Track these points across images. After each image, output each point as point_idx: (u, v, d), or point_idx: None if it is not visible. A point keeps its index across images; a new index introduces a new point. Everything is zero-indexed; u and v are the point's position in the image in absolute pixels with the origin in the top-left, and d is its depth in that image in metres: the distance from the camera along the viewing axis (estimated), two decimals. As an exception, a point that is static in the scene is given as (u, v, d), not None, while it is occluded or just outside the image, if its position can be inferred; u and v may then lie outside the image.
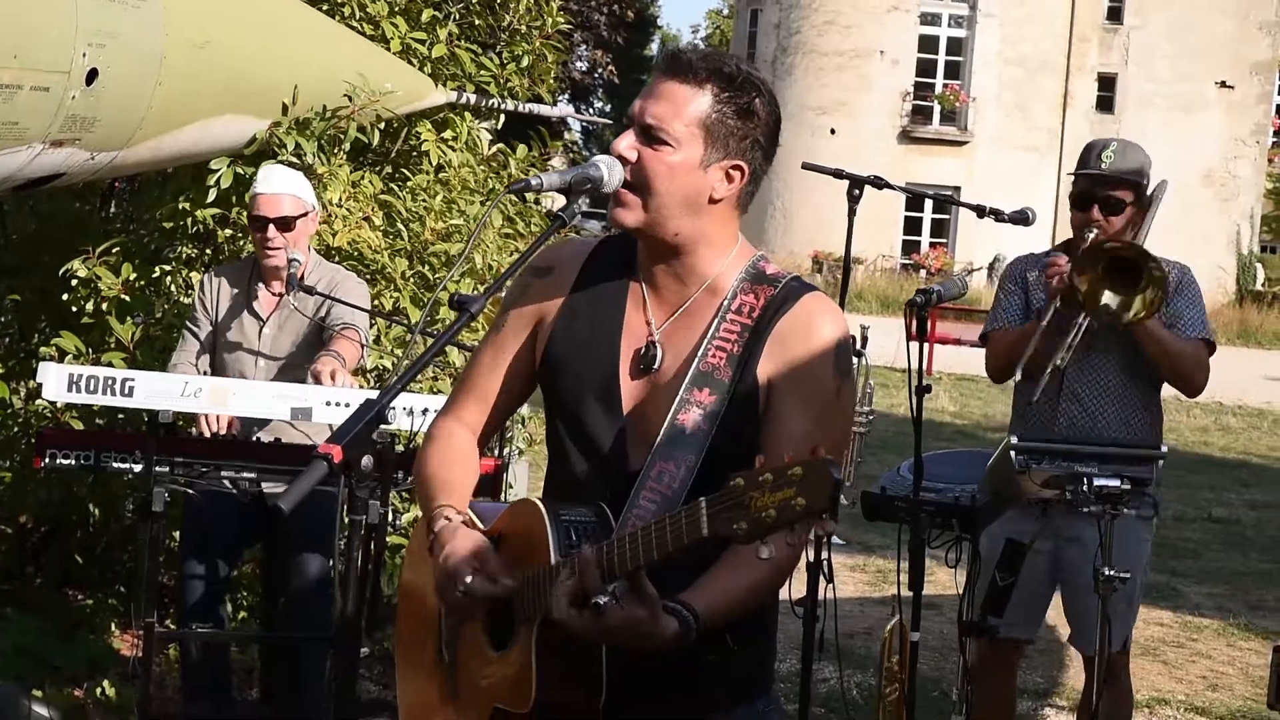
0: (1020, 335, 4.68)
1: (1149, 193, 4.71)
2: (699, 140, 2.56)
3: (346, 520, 2.20)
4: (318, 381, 4.78)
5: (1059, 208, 36.52)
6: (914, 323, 4.23)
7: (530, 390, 2.76)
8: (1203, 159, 37.94)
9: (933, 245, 38.50)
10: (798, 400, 2.53)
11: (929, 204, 37.81)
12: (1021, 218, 4.75)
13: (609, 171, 2.54)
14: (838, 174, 4.88)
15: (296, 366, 5.13)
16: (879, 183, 4.86)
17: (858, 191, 4.82)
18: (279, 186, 5.16)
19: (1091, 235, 4.59)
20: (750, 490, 2.11)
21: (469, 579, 2.46)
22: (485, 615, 2.56)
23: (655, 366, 2.60)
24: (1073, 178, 4.73)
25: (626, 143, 2.57)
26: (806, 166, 5.07)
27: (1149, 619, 7.98)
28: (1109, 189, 4.63)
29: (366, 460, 2.19)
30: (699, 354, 2.56)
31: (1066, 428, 4.60)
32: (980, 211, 4.83)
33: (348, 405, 4.67)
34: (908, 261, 37.63)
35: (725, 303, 2.60)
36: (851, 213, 4.81)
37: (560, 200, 2.57)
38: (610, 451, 2.59)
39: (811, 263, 34.85)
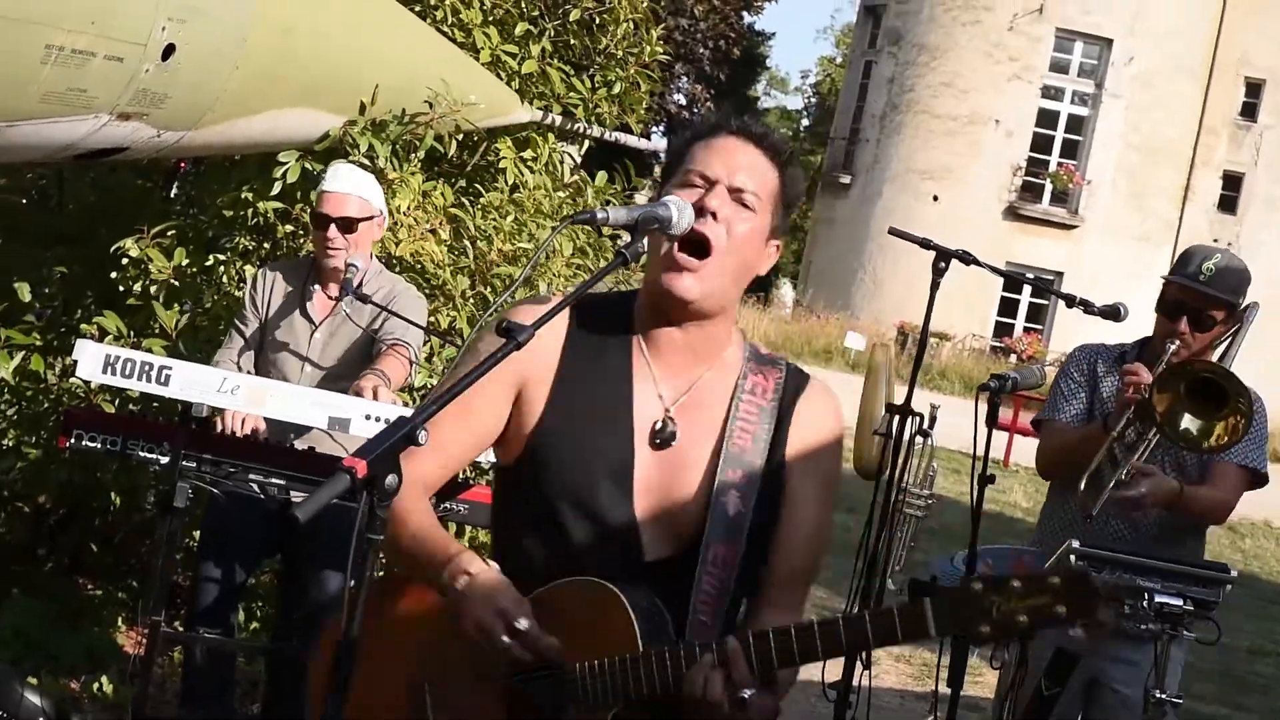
0: (1082, 439, 4.62)
1: (1240, 311, 4.65)
2: (769, 213, 2.68)
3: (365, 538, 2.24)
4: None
5: (1166, 307, 36.36)
6: (986, 408, 4.24)
7: (477, 453, 2.76)
8: (1327, 273, 37.61)
9: (1027, 330, 38.33)
10: (814, 487, 2.71)
11: (1027, 287, 37.67)
12: (1112, 312, 4.72)
13: (678, 213, 2.57)
14: (925, 244, 4.88)
15: (343, 376, 5.19)
16: (967, 258, 4.86)
17: (943, 265, 4.83)
18: (346, 186, 5.24)
19: (1173, 348, 4.53)
20: (992, 595, 2.31)
21: (524, 622, 2.50)
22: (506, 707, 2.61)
23: (673, 444, 2.67)
24: (1165, 281, 4.69)
25: (719, 200, 2.63)
26: (894, 232, 5.08)
27: (1205, 754, 7.91)
28: (1203, 304, 4.57)
29: (391, 479, 2.23)
30: (727, 435, 2.67)
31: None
32: (1070, 301, 4.81)
33: (389, 421, 4.71)
34: (998, 344, 37.49)
35: (739, 382, 2.72)
36: (934, 286, 4.81)
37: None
38: (621, 531, 2.63)
39: (897, 333, 34.77)
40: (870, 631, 2.39)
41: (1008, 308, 38.41)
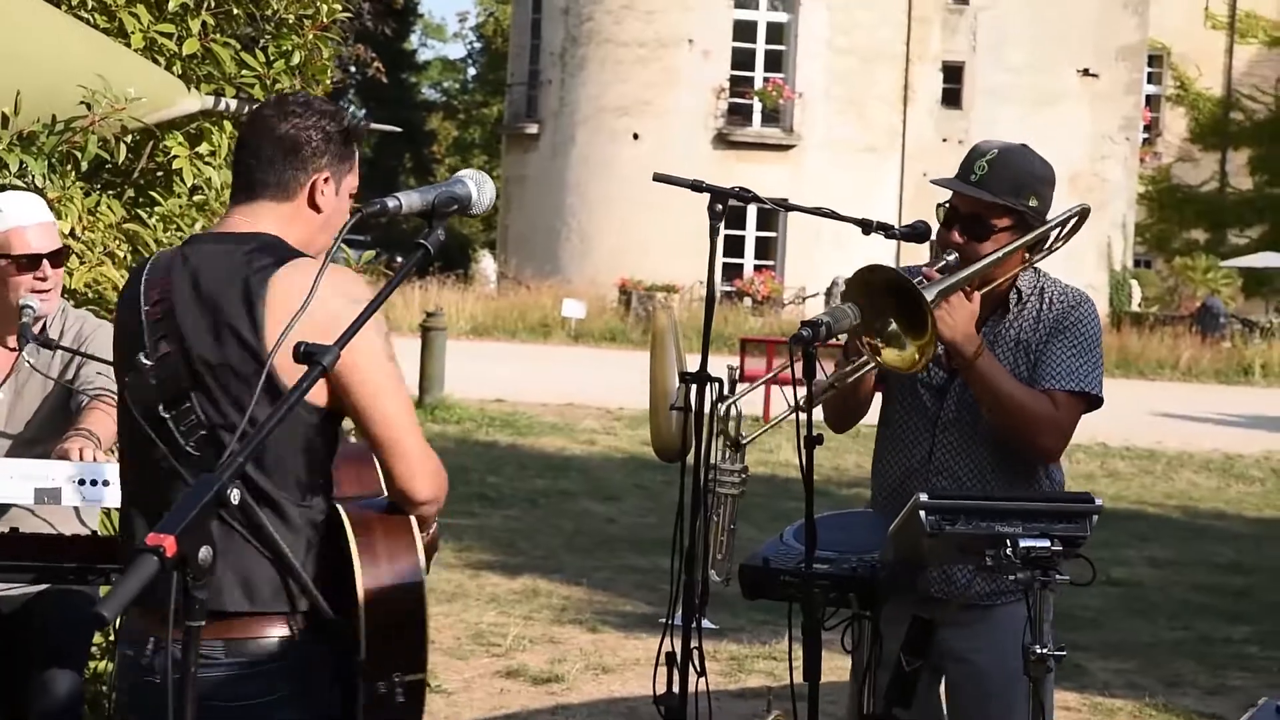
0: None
1: (1052, 216, 4.60)
2: None
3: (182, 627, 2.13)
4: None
5: (901, 219, 37.39)
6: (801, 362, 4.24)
7: None
8: (1065, 160, 38.98)
9: (758, 269, 39.05)
10: None
11: (751, 220, 38.36)
12: (916, 233, 4.75)
13: (478, 189, 2.55)
14: (697, 186, 4.87)
15: (39, 441, 4.98)
16: (747, 196, 4.87)
17: (721, 207, 4.82)
18: (45, 214, 5.08)
19: (950, 259, 4.49)
20: None
21: None
22: None
23: None
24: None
25: None
26: (659, 178, 5.06)
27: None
28: (974, 208, 4.52)
29: (205, 552, 2.13)
30: None
31: None
32: (867, 227, 4.85)
33: (108, 484, 4.58)
34: (730, 288, 38.10)
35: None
36: (714, 232, 4.80)
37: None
38: None
39: (619, 294, 35.04)
40: None
41: (733, 246, 39.05)
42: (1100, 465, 18.39)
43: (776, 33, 39.78)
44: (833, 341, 4.33)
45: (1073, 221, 4.69)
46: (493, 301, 36.42)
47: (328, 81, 7.21)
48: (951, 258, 4.50)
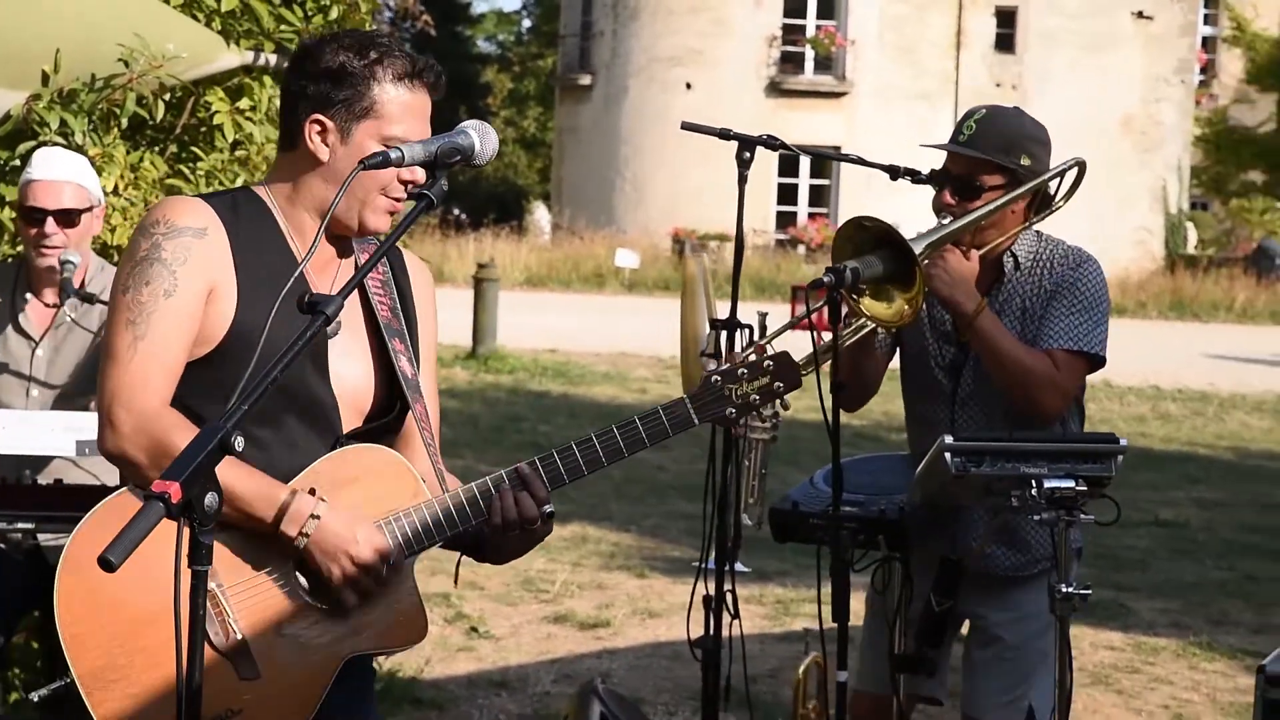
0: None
1: (1047, 171, 4.57)
2: None
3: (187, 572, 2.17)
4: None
5: (956, 166, 37.20)
6: (824, 308, 4.24)
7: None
8: (1120, 103, 38.81)
9: (812, 217, 38.92)
10: (432, 338, 3.44)
11: (804, 168, 38.25)
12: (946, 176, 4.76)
13: (481, 139, 2.56)
14: (724, 135, 4.88)
15: (79, 395, 5.03)
16: (774, 144, 4.87)
17: (749, 155, 4.84)
18: (60, 172, 5.09)
19: (945, 222, 4.49)
20: (729, 383, 3.21)
21: (391, 556, 3.05)
22: (296, 579, 3.08)
23: (340, 329, 3.19)
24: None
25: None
26: (687, 127, 5.07)
27: (1097, 642, 8.16)
28: (964, 169, 4.51)
29: (211, 499, 2.16)
30: (375, 310, 3.25)
31: None
32: (894, 172, 4.84)
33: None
34: (783, 236, 38.02)
35: (357, 261, 3.28)
36: (742, 180, 4.83)
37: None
38: (324, 409, 3.16)
39: (672, 242, 35.01)
40: (643, 430, 3.14)
41: (786, 194, 38.95)
42: (1152, 408, 18.30)
43: (828, -20, 39.59)
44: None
45: (1071, 175, 4.66)
46: (547, 252, 36.44)
47: (367, 35, 7.21)
48: (946, 220, 4.50)
